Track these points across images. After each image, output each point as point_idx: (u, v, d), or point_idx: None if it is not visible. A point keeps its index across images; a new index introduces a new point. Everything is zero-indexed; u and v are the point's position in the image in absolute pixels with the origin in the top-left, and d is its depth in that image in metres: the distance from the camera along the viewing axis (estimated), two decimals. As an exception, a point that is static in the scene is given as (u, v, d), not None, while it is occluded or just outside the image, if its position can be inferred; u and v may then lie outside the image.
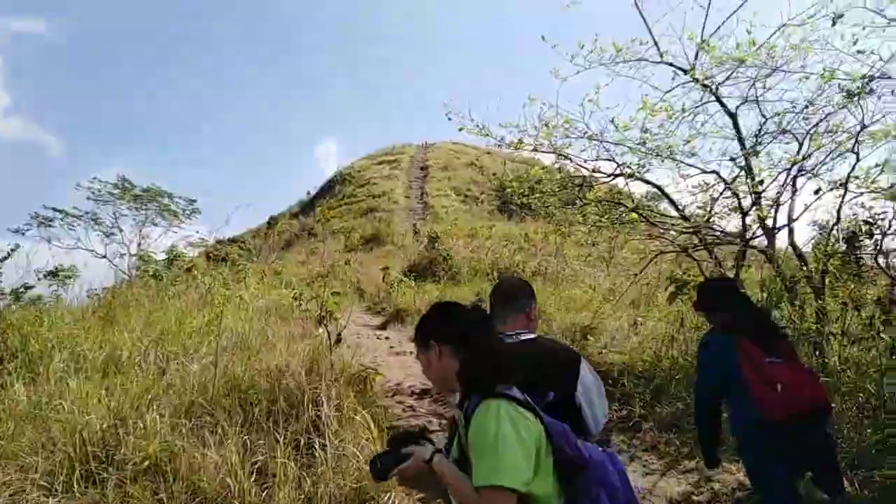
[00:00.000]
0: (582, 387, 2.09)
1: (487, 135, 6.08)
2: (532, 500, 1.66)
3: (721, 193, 5.82)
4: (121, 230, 12.09)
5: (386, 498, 3.39)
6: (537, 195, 6.95)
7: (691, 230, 5.71)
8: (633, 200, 6.28)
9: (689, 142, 5.68)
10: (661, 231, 5.89)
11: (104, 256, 11.80)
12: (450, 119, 6.23)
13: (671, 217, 6.14)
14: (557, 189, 6.84)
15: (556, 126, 6.04)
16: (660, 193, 6.16)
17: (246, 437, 4.15)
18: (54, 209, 12.00)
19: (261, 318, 8.00)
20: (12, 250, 5.02)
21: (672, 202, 6.00)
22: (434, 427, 5.41)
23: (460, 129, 6.14)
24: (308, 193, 37.76)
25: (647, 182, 6.04)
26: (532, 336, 2.28)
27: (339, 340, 5.34)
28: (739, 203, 5.56)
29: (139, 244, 12.25)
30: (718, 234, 5.77)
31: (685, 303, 6.10)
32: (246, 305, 9.08)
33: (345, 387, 4.80)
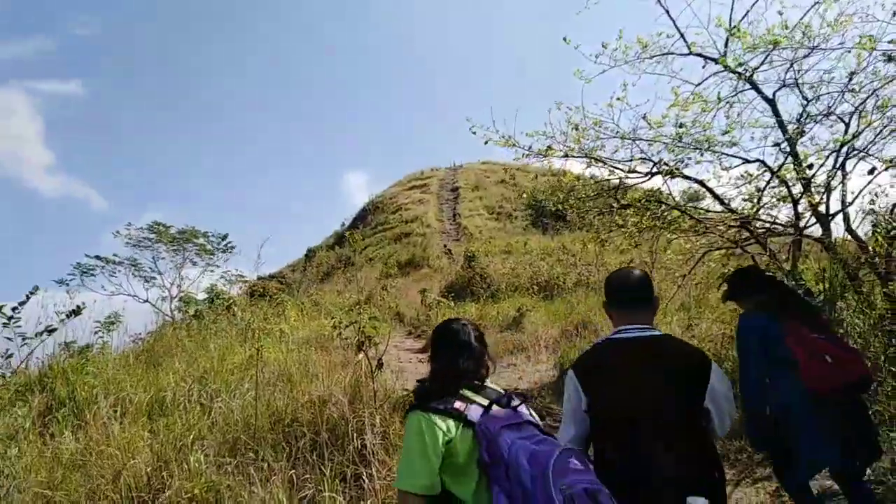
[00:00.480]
0: (711, 390, 2.06)
1: (514, 145, 5.91)
2: (455, 500, 1.90)
3: (768, 182, 5.52)
4: (160, 273, 12.27)
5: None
6: (572, 202, 6.72)
7: (739, 224, 5.41)
8: (673, 199, 6.00)
9: (728, 132, 5.40)
10: (707, 227, 5.59)
11: (146, 300, 11.94)
12: (474, 133, 6.10)
13: (717, 212, 5.84)
14: (593, 194, 6.62)
15: (585, 129, 5.86)
16: (702, 189, 5.88)
17: (292, 471, 4.01)
18: (97, 257, 12.21)
19: (301, 349, 7.91)
20: (30, 294, 5.04)
21: (716, 196, 5.71)
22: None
23: (486, 143, 6.00)
24: (342, 224, 38.15)
25: (687, 178, 5.76)
26: (658, 332, 2.20)
27: (380, 366, 5.18)
28: (789, 191, 5.24)
29: (179, 285, 12.40)
30: (770, 225, 5.45)
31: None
32: (286, 338, 9.04)
33: (390, 413, 4.63)
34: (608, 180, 6.43)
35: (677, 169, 5.54)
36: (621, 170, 5.89)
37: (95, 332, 9.55)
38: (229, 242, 13.61)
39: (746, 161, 5.48)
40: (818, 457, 2.93)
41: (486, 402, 1.97)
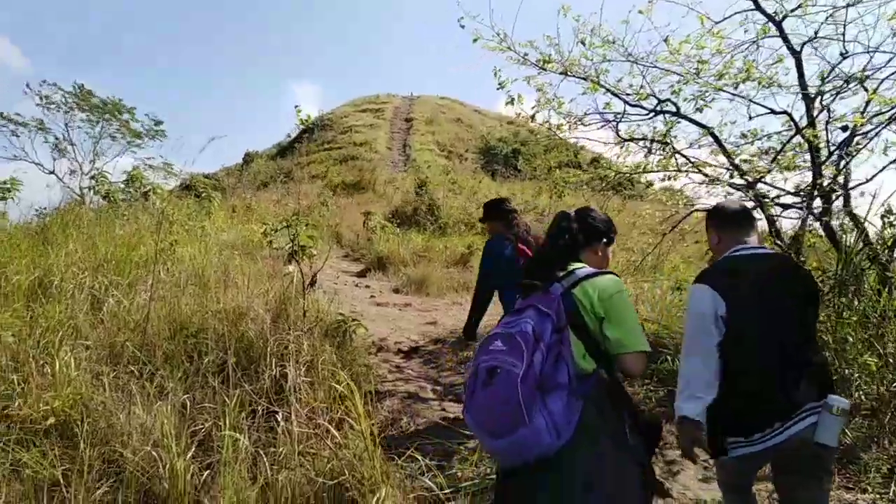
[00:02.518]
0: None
1: (508, 48, 5.00)
2: None
3: (787, 142, 4.85)
4: (73, 144, 10.65)
5: (373, 499, 2.41)
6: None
7: (747, 184, 4.74)
8: (672, 146, 5.25)
9: (780, 61, 4.61)
10: (711, 180, 4.91)
11: (52, 172, 10.38)
12: (462, 26, 5.13)
13: (719, 166, 5.13)
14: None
15: (592, 45, 4.99)
16: (706, 139, 5.16)
17: (186, 395, 3.15)
18: None
19: (223, 252, 6.92)
20: None
21: (723, 149, 5.00)
22: (427, 393, 4.46)
23: (475, 40, 5.05)
24: (288, 136, 36.24)
25: (695, 122, 5.04)
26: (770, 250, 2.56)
27: (313, 283, 4.34)
28: (812, 155, 4.58)
29: (93, 161, 10.88)
30: (778, 192, 4.81)
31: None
32: (208, 238, 8.01)
33: (320, 339, 3.80)
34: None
35: (696, 105, 4.76)
36: (625, 101, 5.09)
37: (-12, 198, 8.24)
38: (162, 129, 12.05)
39: (773, 112, 4.77)
40: None
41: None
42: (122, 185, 9.01)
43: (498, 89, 4.95)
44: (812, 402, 2.05)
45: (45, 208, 8.55)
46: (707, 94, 4.81)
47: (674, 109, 5.11)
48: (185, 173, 12.11)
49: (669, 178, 5.17)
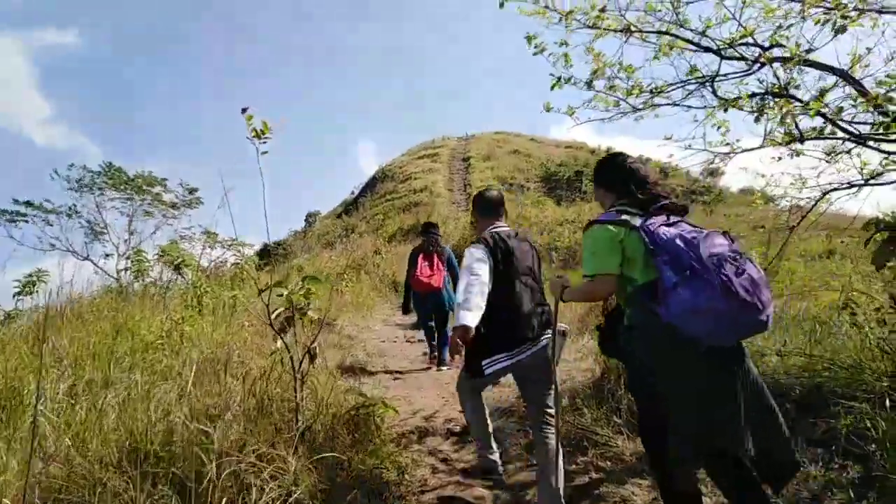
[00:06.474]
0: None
1: (547, 8, 3.74)
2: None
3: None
4: (105, 224, 10.12)
5: None
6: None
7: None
8: (795, 100, 3.73)
9: None
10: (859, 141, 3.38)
11: (86, 258, 9.85)
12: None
13: (870, 123, 3.59)
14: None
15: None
16: (839, 84, 3.64)
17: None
18: (27, 203, 9.95)
19: (241, 326, 5.84)
20: None
21: (867, 97, 3.48)
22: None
23: (501, 5, 3.83)
24: (352, 193, 36.88)
25: (821, 67, 3.58)
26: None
27: (312, 358, 3.11)
28: None
29: (127, 241, 10.28)
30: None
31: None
32: (238, 308, 7.03)
33: (308, 453, 2.50)
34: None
35: (834, 29, 3.26)
36: (716, 52, 3.69)
37: (15, 295, 7.64)
38: (198, 197, 11.45)
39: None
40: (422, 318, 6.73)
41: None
42: (155, 261, 8.29)
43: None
44: (546, 330, 2.99)
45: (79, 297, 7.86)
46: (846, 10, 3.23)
47: (785, 55, 3.65)
48: (224, 238, 11.44)
49: (797, 155, 3.64)
